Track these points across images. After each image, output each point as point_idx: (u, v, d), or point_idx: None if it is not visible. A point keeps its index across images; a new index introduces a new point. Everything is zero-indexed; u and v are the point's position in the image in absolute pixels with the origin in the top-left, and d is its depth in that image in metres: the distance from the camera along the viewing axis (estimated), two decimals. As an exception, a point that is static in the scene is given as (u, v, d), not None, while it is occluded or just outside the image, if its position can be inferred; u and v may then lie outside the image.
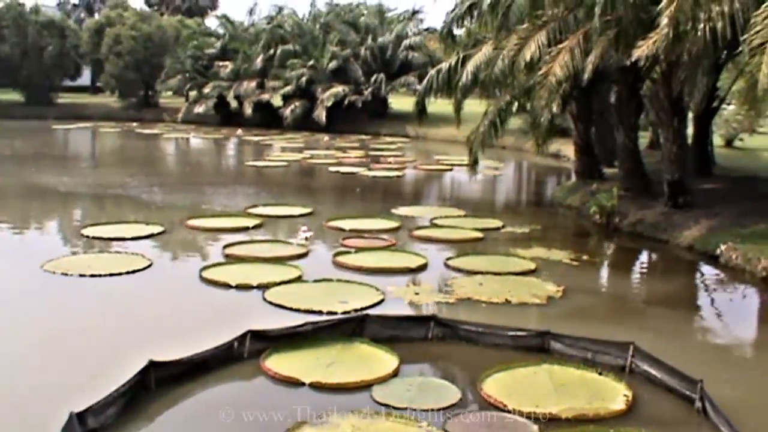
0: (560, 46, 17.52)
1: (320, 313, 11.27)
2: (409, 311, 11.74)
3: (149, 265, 14.28)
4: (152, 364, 8.50)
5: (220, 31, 59.49)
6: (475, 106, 26.39)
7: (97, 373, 9.05)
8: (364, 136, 46.33)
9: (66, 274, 13.62)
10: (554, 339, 10.00)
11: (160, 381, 8.55)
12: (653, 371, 9.14)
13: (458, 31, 25.37)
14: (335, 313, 11.20)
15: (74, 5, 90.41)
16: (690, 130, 23.16)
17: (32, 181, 26.17)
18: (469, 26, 24.72)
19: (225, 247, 15.53)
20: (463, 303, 12.17)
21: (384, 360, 9.49)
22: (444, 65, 23.34)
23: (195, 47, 56.76)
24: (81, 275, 13.55)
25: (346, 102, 48.32)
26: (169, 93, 63.35)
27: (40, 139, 45.24)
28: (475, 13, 22.56)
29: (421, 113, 25.06)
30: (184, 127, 53.18)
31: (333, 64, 49.47)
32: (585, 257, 15.90)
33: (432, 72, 23.83)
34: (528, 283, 13.45)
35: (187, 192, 24.43)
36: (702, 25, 14.14)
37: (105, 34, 60.68)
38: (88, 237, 16.82)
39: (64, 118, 57.12)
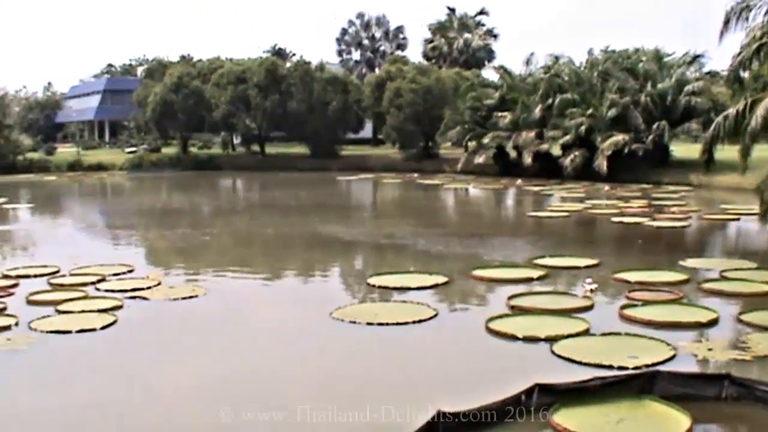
0: None
1: (610, 367, 11.00)
2: (700, 368, 11.31)
3: (435, 315, 14.49)
4: (440, 415, 8.58)
5: (498, 81, 59.94)
6: (764, 151, 25.28)
7: (385, 421, 9.31)
8: (645, 185, 45.08)
9: (354, 322, 14.07)
10: None
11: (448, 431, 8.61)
12: None
13: (745, 74, 24.45)
14: (625, 369, 10.90)
15: (356, 62, 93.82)
16: None
17: (317, 231, 27.30)
18: (757, 69, 23.71)
19: (509, 298, 15.51)
20: (759, 361, 11.57)
21: (675, 419, 9.18)
22: (731, 110, 22.53)
23: (473, 98, 57.38)
24: (368, 323, 13.96)
25: (626, 150, 47.36)
26: (449, 144, 64.48)
27: (324, 189, 47.25)
28: (762, 54, 21.67)
29: (708, 162, 24.22)
30: (464, 177, 53.89)
31: (612, 112, 48.68)
32: None
33: (719, 119, 23.04)
34: (831, 340, 12.65)
35: (467, 242, 24.72)
36: None
37: (386, 88, 62.72)
38: (373, 286, 17.30)
39: (347, 170, 59.44)
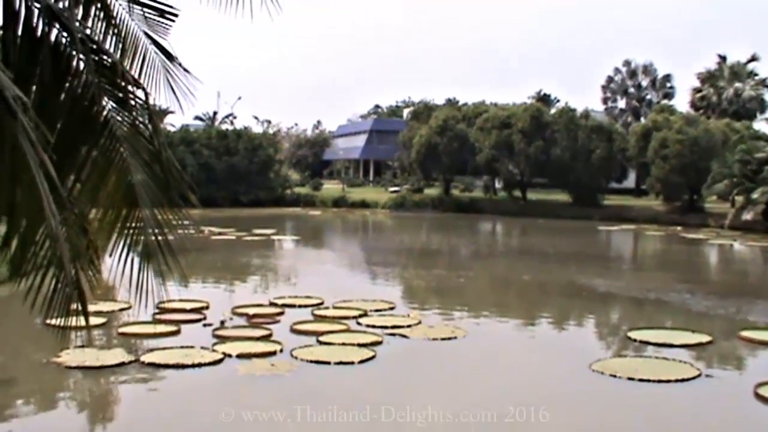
0: None
1: None
2: None
3: (698, 375, 14.05)
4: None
5: (771, 134, 57.62)
6: None
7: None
8: None
9: (614, 376, 13.83)
10: None
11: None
12: None
13: None
14: None
15: (621, 110, 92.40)
16: None
17: (574, 280, 27.05)
18: None
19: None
20: None
21: None
22: None
23: (743, 151, 55.31)
24: (629, 378, 13.68)
25: None
26: (714, 197, 62.40)
27: (584, 238, 46.70)
28: None
29: None
30: (730, 233, 51.71)
31: None
32: None
33: None
34: None
35: (731, 301, 23.60)
36: None
37: (651, 137, 61.32)
38: (634, 340, 16.94)
39: (609, 220, 58.44)
